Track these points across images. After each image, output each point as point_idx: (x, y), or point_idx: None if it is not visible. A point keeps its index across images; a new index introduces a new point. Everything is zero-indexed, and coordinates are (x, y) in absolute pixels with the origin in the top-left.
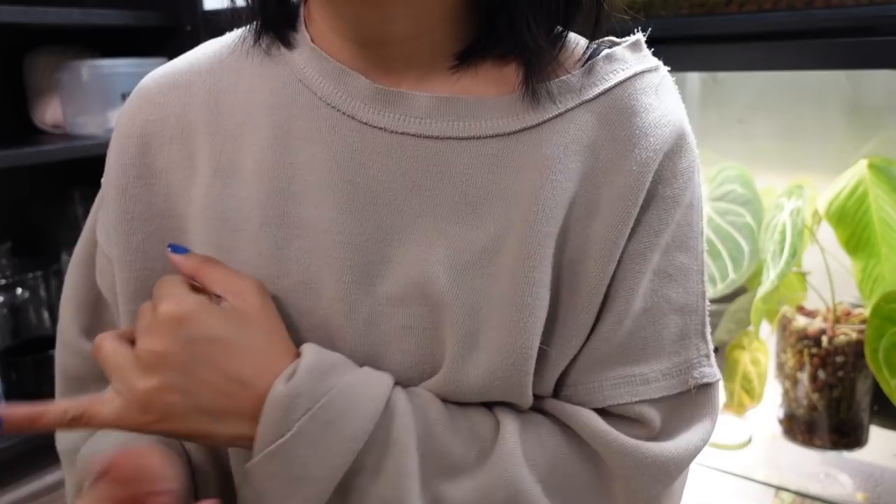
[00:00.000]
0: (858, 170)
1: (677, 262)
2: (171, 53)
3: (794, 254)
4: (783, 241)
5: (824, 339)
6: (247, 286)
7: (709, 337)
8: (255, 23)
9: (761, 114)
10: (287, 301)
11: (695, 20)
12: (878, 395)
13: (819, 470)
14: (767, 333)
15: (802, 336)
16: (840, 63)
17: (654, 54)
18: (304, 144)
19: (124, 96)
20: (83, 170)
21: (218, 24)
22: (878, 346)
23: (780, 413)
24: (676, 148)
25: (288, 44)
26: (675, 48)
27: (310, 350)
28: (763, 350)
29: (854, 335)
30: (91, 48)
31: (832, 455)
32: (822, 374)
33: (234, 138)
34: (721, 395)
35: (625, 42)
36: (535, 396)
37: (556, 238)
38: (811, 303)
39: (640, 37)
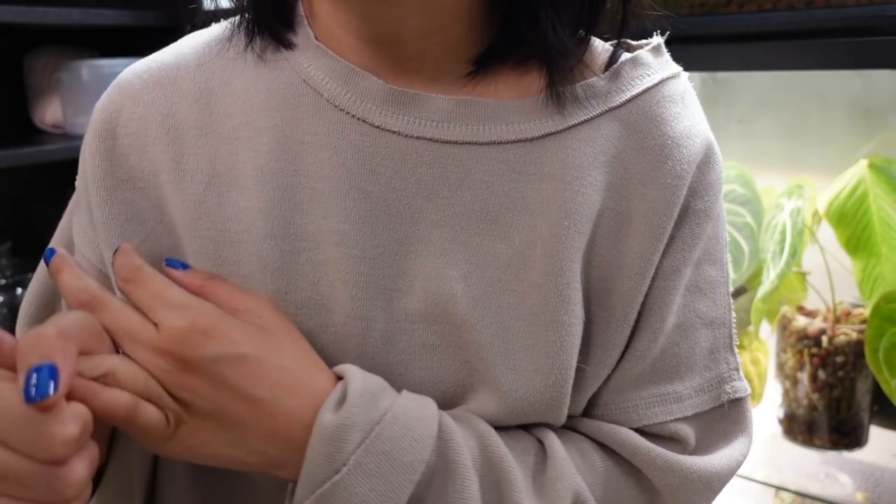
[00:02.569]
0: (858, 170)
1: (706, 276)
2: None
3: (794, 254)
4: (783, 241)
5: (824, 339)
6: (260, 303)
7: (736, 349)
8: (244, 17)
9: (761, 114)
10: (296, 318)
11: (695, 20)
12: (878, 395)
13: (819, 470)
14: (767, 333)
15: (802, 336)
16: (840, 63)
17: None
18: (309, 150)
19: None
20: None
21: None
22: (878, 346)
23: (780, 413)
24: (706, 159)
25: (286, 44)
26: (675, 48)
27: (354, 371)
28: (763, 350)
29: (854, 335)
30: (91, 48)
31: (832, 455)
32: (822, 374)
33: (230, 142)
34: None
35: (646, 45)
36: (567, 416)
37: (583, 252)
38: (811, 303)
39: (660, 40)
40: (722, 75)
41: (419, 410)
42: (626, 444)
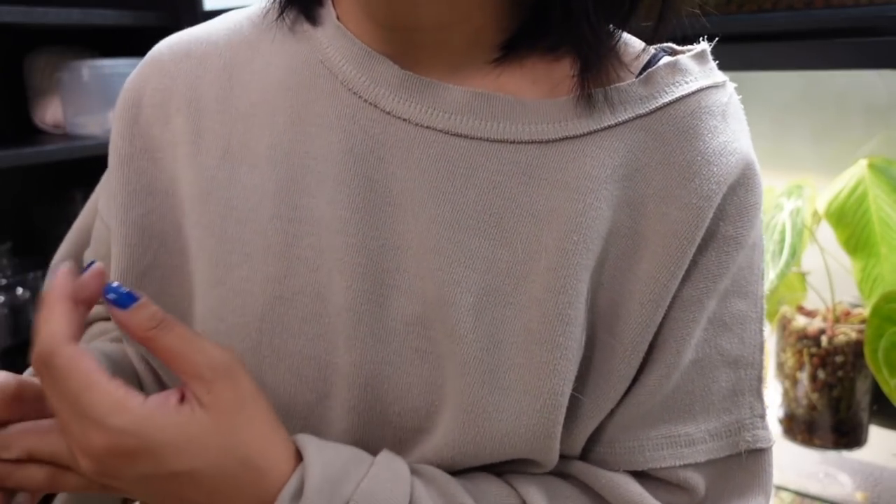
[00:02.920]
0: (858, 170)
1: (734, 310)
2: None
3: (794, 254)
4: (783, 241)
5: (824, 338)
6: (214, 370)
7: (763, 395)
8: None
9: (761, 114)
10: (292, 304)
11: (694, 20)
12: (877, 394)
13: (819, 469)
14: (767, 333)
15: (802, 336)
16: (840, 63)
17: None
18: (319, 132)
19: None
20: (83, 170)
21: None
22: (878, 345)
23: (780, 413)
24: (743, 180)
25: (313, 20)
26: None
27: (314, 455)
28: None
29: (854, 335)
30: (91, 48)
31: (832, 455)
32: (821, 374)
33: (246, 119)
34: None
35: (689, 51)
36: (561, 457)
37: (592, 272)
38: (811, 303)
39: (705, 46)
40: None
41: (387, 493)
42: (626, 502)
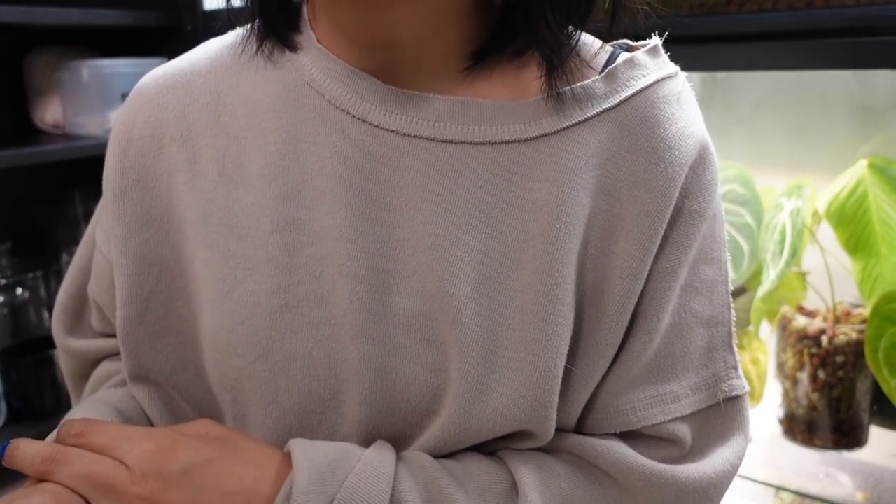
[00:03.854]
0: (858, 170)
1: (703, 275)
2: (171, 53)
3: (794, 254)
4: (783, 241)
5: (824, 338)
6: (201, 423)
7: (735, 348)
8: (255, 24)
9: (761, 114)
10: (298, 310)
11: (695, 20)
12: (878, 394)
13: (819, 470)
14: (767, 333)
15: (802, 336)
16: (840, 63)
17: None
18: (312, 149)
19: (124, 96)
20: (83, 170)
21: (217, 24)
22: (878, 345)
23: (780, 413)
24: (700, 160)
25: (292, 47)
26: (675, 48)
27: (300, 460)
28: (763, 350)
29: (854, 335)
30: (91, 48)
31: (832, 455)
32: (821, 374)
33: (237, 141)
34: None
35: (643, 46)
36: (557, 430)
37: (577, 254)
38: (811, 303)
39: (657, 41)
40: (722, 75)
41: (368, 488)
42: (620, 464)
